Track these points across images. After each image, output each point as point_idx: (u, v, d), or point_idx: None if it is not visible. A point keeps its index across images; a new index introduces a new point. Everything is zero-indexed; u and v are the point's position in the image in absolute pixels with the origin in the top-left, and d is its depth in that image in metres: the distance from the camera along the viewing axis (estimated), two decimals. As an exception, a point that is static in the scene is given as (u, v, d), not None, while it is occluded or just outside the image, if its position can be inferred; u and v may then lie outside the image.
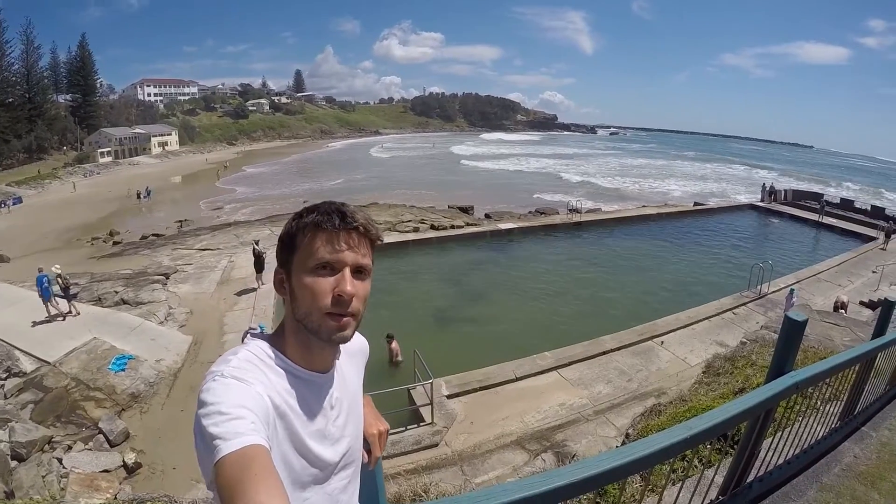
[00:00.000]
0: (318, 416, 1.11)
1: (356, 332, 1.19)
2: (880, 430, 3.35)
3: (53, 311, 12.23)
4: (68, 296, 12.45)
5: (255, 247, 15.50)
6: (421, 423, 8.79)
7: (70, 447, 8.05)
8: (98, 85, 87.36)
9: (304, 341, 1.09)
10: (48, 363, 9.87)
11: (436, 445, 8.36)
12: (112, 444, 8.20)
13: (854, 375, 3.11)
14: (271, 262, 15.82)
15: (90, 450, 8.03)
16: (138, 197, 38.79)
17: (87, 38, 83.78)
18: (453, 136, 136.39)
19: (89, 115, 79.03)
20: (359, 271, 1.08)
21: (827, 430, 3.06)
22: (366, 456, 1.30)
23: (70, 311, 12.41)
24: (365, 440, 1.30)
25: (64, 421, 8.58)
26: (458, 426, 8.93)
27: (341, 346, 1.16)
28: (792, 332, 2.29)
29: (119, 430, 8.41)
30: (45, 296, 12.05)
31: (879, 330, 3.24)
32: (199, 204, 36.87)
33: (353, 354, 1.30)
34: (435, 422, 8.76)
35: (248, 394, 0.92)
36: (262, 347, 1.08)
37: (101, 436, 8.29)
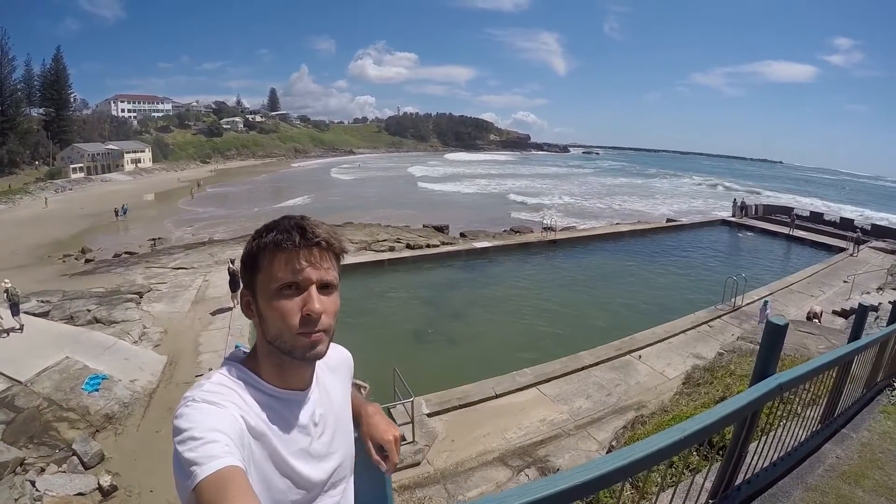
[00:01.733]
0: (300, 434, 1.10)
1: (334, 346, 1.20)
2: (860, 431, 3.44)
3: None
4: (15, 310, 12.10)
5: (231, 265, 15.13)
6: (402, 442, 8.69)
7: (43, 469, 7.78)
8: (72, 99, 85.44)
9: (277, 362, 1.08)
10: (19, 382, 9.56)
11: (418, 464, 8.29)
12: (87, 467, 7.95)
13: (832, 379, 3.19)
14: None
15: (64, 472, 7.76)
16: (116, 214, 38.03)
17: (63, 52, 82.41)
18: (417, 157, 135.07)
19: (62, 129, 77.20)
20: (325, 286, 1.06)
21: (809, 433, 3.13)
22: (383, 464, 1.26)
23: (15, 327, 12.00)
24: (381, 448, 1.27)
25: (36, 442, 8.30)
26: (440, 444, 8.88)
27: (320, 362, 1.13)
28: (774, 336, 2.35)
29: (94, 451, 8.16)
30: None
31: (855, 334, 3.33)
32: (165, 224, 36.20)
33: (335, 368, 1.28)
34: (416, 440, 8.69)
35: (220, 416, 0.92)
36: (236, 370, 1.08)
37: (75, 458, 8.03)
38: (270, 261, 1.04)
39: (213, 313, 14.79)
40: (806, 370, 2.50)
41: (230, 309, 14.88)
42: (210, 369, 9.17)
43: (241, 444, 0.92)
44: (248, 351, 1.16)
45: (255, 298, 1.07)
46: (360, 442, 1.31)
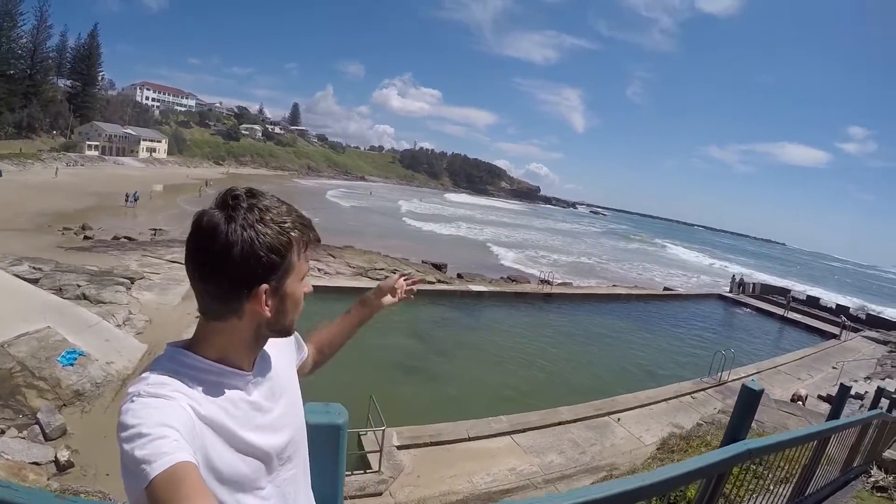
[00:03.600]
0: (252, 411, 1.08)
1: None
2: (828, 515, 3.38)
3: None
4: None
5: None
6: (367, 470, 8.53)
7: (3, 431, 7.64)
8: (99, 78, 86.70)
9: (249, 345, 1.08)
10: (-4, 342, 9.45)
11: (380, 494, 8.08)
12: (47, 438, 7.79)
13: (806, 458, 3.16)
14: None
15: (24, 438, 7.60)
16: (126, 199, 38.10)
17: (99, 30, 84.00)
18: (429, 192, 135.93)
19: (85, 105, 78.34)
20: None
21: (775, 510, 3.08)
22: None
23: None
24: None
25: (1, 404, 8.17)
26: (405, 478, 8.65)
27: None
28: (748, 400, 2.35)
29: (57, 424, 8.01)
30: None
31: (835, 413, 3.32)
32: (167, 216, 35.99)
33: (276, 341, 1.22)
34: (382, 471, 8.49)
35: (168, 410, 0.89)
36: (180, 355, 1.04)
37: (37, 426, 7.87)
38: (303, 254, 1.08)
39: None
40: (778, 440, 2.49)
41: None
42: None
43: (191, 436, 0.89)
44: None
45: (277, 290, 1.04)
46: (309, 428, 1.30)
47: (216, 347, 1.05)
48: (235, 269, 0.98)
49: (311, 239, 1.09)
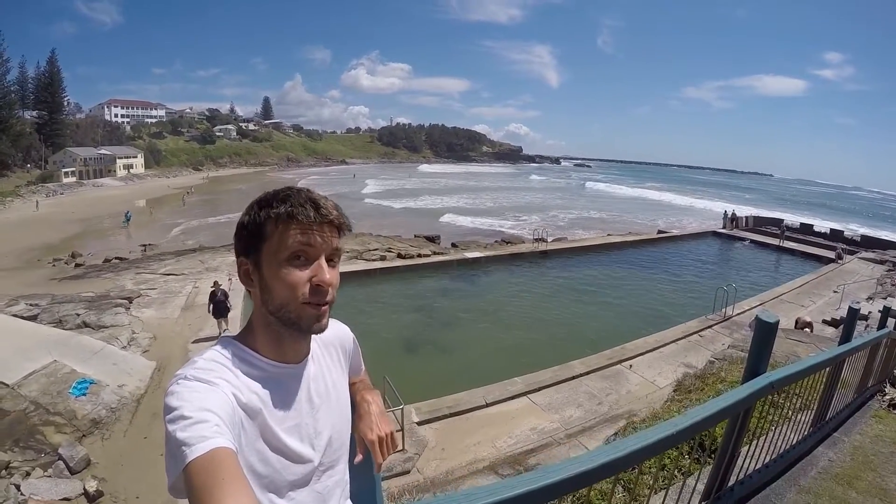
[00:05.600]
0: (293, 410, 1.09)
1: (332, 321, 1.19)
2: (852, 434, 3.44)
3: None
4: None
5: (216, 288, 13.27)
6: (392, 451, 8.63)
7: (28, 473, 7.63)
8: (65, 103, 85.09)
9: (275, 334, 1.08)
10: (6, 385, 9.41)
11: (408, 472, 8.19)
12: (72, 472, 7.81)
13: (823, 384, 3.19)
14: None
15: (49, 476, 7.61)
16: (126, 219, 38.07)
17: (57, 55, 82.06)
18: (405, 168, 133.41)
19: (55, 133, 76.75)
20: (331, 259, 1.07)
21: (800, 437, 3.12)
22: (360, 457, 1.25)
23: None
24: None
25: (22, 446, 8.14)
26: (430, 452, 8.79)
27: (315, 336, 1.14)
28: (765, 333, 2.35)
29: (80, 456, 8.03)
30: None
31: (846, 336, 3.34)
32: (155, 230, 35.84)
33: (329, 344, 1.27)
34: (406, 449, 8.60)
35: (211, 395, 0.91)
36: (230, 345, 1.07)
37: (60, 462, 7.88)
38: (282, 231, 1.02)
39: (196, 341, 13.57)
40: (797, 369, 2.49)
41: (216, 337, 13.98)
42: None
43: (231, 422, 0.90)
44: None
45: (257, 266, 1.06)
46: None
47: (258, 338, 1.09)
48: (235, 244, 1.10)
49: (304, 217, 1.02)
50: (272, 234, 1.03)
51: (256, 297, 1.08)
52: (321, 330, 1.07)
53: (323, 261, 1.04)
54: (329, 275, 1.04)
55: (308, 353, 1.16)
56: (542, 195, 75.81)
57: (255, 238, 1.05)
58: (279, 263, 1.02)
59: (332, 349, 1.28)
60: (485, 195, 69.83)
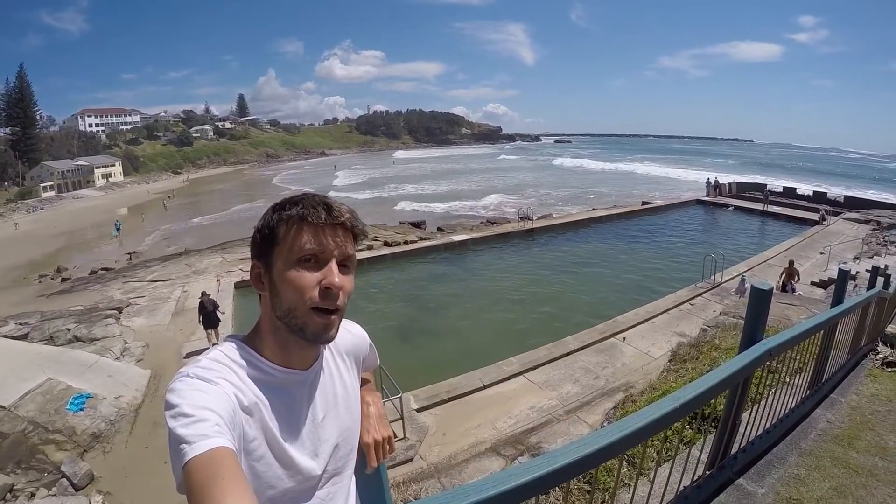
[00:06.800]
0: (297, 417, 1.07)
1: (349, 324, 1.19)
2: (848, 395, 3.49)
3: None
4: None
5: (204, 298, 12.76)
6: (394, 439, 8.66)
7: (33, 494, 7.59)
8: (38, 117, 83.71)
9: (282, 340, 1.05)
10: (3, 407, 9.32)
11: (411, 460, 8.22)
12: (77, 488, 7.77)
13: (818, 346, 3.23)
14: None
15: (54, 495, 7.56)
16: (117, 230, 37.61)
17: (26, 69, 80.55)
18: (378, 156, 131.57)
19: (30, 148, 75.53)
20: (344, 264, 1.04)
21: (798, 400, 3.16)
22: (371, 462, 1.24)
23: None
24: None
25: (24, 467, 8.08)
26: (431, 438, 8.83)
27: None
28: (759, 301, 2.37)
29: (83, 472, 7.98)
30: None
31: (838, 298, 3.37)
32: (139, 237, 35.49)
33: (344, 350, 1.24)
34: (407, 436, 8.63)
35: (212, 394, 0.90)
36: (236, 346, 1.05)
37: (64, 480, 7.83)
38: (296, 233, 1.01)
39: (188, 355, 13.15)
40: (793, 335, 2.52)
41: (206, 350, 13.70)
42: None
43: (232, 423, 0.89)
44: None
45: (268, 270, 1.04)
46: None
47: (265, 342, 1.07)
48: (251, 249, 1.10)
49: (315, 219, 1.00)
50: (284, 236, 1.02)
51: (266, 301, 1.06)
52: (328, 340, 1.04)
53: (334, 264, 1.01)
54: (340, 278, 1.01)
55: (317, 360, 1.13)
56: (519, 175, 74.99)
57: (267, 241, 1.04)
58: (289, 265, 1.00)
59: (345, 355, 1.25)
60: (455, 179, 67.83)
